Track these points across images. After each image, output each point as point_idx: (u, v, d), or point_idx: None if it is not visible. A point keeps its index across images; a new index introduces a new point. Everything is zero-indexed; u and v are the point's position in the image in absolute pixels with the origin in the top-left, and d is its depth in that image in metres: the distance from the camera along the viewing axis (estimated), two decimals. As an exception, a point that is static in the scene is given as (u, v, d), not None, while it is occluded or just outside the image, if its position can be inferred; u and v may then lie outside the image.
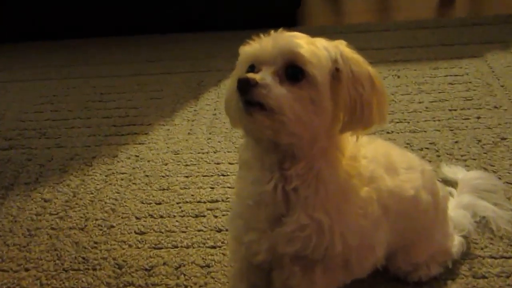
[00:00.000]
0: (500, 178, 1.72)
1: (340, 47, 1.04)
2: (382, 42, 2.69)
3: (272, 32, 1.05)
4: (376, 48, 2.62)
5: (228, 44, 2.71)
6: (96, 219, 1.70)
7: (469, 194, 1.61)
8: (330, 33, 2.65)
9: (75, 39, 2.98)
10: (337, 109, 1.02)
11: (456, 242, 1.47)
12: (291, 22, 2.90)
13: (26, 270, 1.54)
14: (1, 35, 3.03)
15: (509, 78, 2.27)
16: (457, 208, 1.56)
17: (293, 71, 0.98)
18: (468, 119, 2.04)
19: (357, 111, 1.03)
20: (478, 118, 2.04)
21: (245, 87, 0.95)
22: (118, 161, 1.97)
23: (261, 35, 1.06)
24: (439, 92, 2.22)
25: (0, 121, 2.28)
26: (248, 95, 0.95)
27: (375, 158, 1.18)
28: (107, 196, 1.79)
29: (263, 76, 0.96)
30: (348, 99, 1.01)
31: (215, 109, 2.24)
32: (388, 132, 2.00)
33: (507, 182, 1.72)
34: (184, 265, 1.51)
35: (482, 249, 1.51)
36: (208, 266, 1.51)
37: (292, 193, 1.07)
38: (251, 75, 0.96)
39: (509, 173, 1.76)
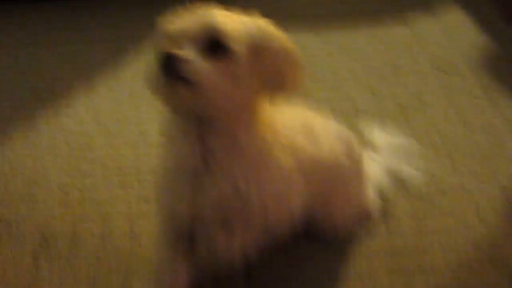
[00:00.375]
0: (417, 141, 1.87)
1: (260, 23, 1.12)
2: (311, 9, 2.73)
3: (190, 6, 1.12)
4: (307, 15, 2.67)
5: (156, 10, 2.74)
6: (19, 192, 1.76)
7: (388, 156, 1.75)
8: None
9: None
10: (257, 82, 1.11)
11: (374, 202, 1.61)
12: None
13: None
14: None
15: (432, 43, 2.42)
16: (377, 169, 1.70)
17: (216, 47, 1.05)
18: (390, 83, 2.19)
19: (276, 83, 1.13)
20: (400, 83, 2.18)
21: (168, 62, 1.02)
22: (40, 133, 1.99)
23: (180, 11, 1.12)
24: (364, 59, 2.33)
25: None
26: (172, 71, 1.02)
27: (296, 128, 1.29)
28: (29, 168, 1.84)
29: (187, 52, 1.03)
30: (267, 73, 1.11)
31: (135, 78, 2.28)
32: (319, 97, 2.10)
33: (424, 145, 1.88)
34: (111, 234, 1.61)
35: (398, 207, 1.67)
36: (135, 234, 1.60)
37: (214, 164, 1.17)
38: (174, 50, 1.03)
39: (426, 136, 1.93)
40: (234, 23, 1.09)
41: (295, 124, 1.30)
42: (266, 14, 2.46)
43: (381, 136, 1.85)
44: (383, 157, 1.77)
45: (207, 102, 1.07)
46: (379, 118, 2.00)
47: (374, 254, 1.55)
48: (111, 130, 2.01)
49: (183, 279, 1.38)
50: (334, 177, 1.43)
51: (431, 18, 2.62)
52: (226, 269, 1.35)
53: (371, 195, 1.63)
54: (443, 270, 1.51)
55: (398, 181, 1.73)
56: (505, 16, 2.57)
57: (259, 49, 1.10)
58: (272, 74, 1.13)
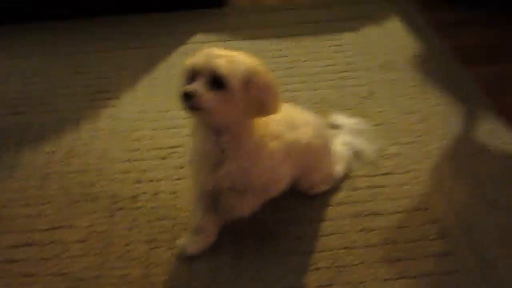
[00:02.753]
0: (370, 122, 1.98)
1: (249, 62, 1.26)
2: (285, 20, 2.81)
3: (204, 49, 1.27)
4: (282, 25, 2.75)
5: (169, 23, 2.80)
6: (91, 164, 1.87)
7: (349, 134, 1.86)
8: (249, 12, 2.87)
9: (44, 22, 2.88)
10: (247, 105, 1.26)
11: (339, 168, 1.73)
12: (219, 3, 2.96)
13: (46, 203, 1.73)
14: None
15: (377, 46, 2.50)
16: (340, 145, 1.81)
17: (217, 81, 1.22)
18: (349, 79, 2.27)
19: (260, 107, 1.29)
20: (356, 78, 2.28)
21: (186, 97, 1.21)
22: (99, 120, 2.10)
23: (198, 51, 1.27)
24: (328, 59, 2.42)
25: (2, 92, 2.33)
26: (189, 103, 1.22)
27: (281, 120, 1.43)
28: (96, 147, 1.95)
29: (197, 87, 1.21)
30: (254, 99, 1.26)
31: (166, 77, 2.35)
32: (293, 91, 2.20)
33: (375, 125, 1.98)
34: (158, 193, 1.74)
35: (356, 171, 1.78)
36: (175, 192, 1.74)
37: (227, 153, 1.34)
38: (188, 88, 1.21)
39: (376, 118, 2.02)
40: (231, 64, 1.23)
41: (279, 117, 1.39)
42: (249, 26, 2.61)
43: (342, 119, 1.93)
44: (344, 134, 1.87)
45: (214, 120, 1.27)
46: (340, 106, 2.10)
47: (339, 204, 1.67)
48: (151, 117, 2.10)
49: (212, 224, 1.52)
50: (309, 154, 1.54)
51: (376, 26, 2.68)
52: (239, 218, 1.49)
53: (336, 163, 1.73)
54: (386, 214, 1.62)
55: (355, 152, 1.82)
56: (430, 23, 2.65)
57: (247, 83, 1.24)
58: (256, 101, 1.26)
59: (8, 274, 1.52)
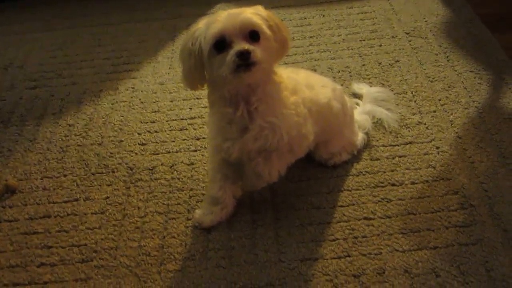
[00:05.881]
0: (392, 91, 1.93)
1: (263, 10, 1.29)
2: None
3: (221, 11, 1.26)
4: None
5: None
6: (109, 136, 1.88)
7: (370, 103, 1.83)
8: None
9: None
10: (278, 46, 1.30)
11: (359, 137, 1.70)
12: None
13: (64, 176, 1.75)
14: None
15: (404, 13, 2.43)
16: (361, 113, 1.78)
17: (254, 34, 1.23)
18: (373, 47, 2.22)
19: (284, 45, 1.33)
20: (380, 46, 2.22)
21: (242, 56, 1.19)
22: (119, 92, 2.11)
23: (210, 15, 1.29)
24: (353, 27, 2.37)
25: (24, 66, 2.36)
26: (246, 60, 1.20)
27: (296, 79, 1.44)
28: (114, 119, 1.96)
29: (246, 45, 1.20)
30: (279, 38, 1.29)
31: None
32: (315, 60, 2.17)
33: (397, 93, 1.93)
34: (175, 164, 1.73)
35: (377, 140, 1.74)
36: (193, 163, 1.74)
37: (254, 111, 1.32)
38: (244, 46, 1.20)
39: (399, 86, 1.97)
40: (256, 16, 1.25)
41: (294, 76, 1.45)
42: None
43: (364, 88, 1.92)
44: (365, 103, 1.84)
45: (262, 71, 1.26)
46: (363, 74, 2.06)
47: (359, 174, 1.63)
48: (169, 89, 2.10)
49: (229, 195, 1.50)
50: (329, 116, 1.52)
51: None
52: (263, 186, 1.45)
53: (357, 131, 1.70)
54: (407, 184, 1.58)
55: (376, 120, 1.80)
56: None
57: (271, 27, 1.27)
58: (280, 40, 1.30)
59: (26, 246, 1.54)
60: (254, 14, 1.25)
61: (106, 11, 2.78)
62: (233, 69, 1.21)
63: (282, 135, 1.35)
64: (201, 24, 1.28)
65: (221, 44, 1.22)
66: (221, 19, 1.23)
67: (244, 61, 1.20)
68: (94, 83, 2.21)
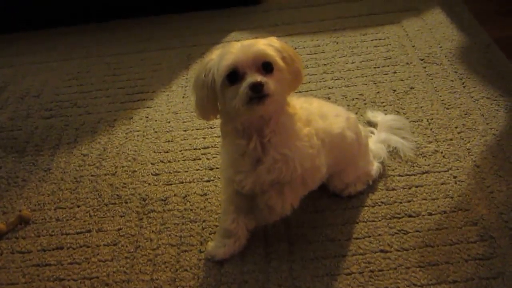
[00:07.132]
0: (407, 118, 1.90)
1: (274, 40, 1.28)
2: (324, 14, 2.76)
3: (234, 42, 1.25)
4: (321, 20, 2.71)
5: (207, 22, 2.83)
6: (123, 166, 1.88)
7: (385, 132, 1.80)
8: (286, 8, 2.84)
9: (87, 24, 2.98)
10: (291, 78, 1.28)
11: (375, 167, 1.67)
12: (255, 1, 2.95)
13: (78, 206, 1.73)
14: (25, 23, 3.00)
15: (419, 39, 2.40)
16: (376, 142, 1.75)
17: (267, 66, 1.22)
18: (387, 74, 2.19)
19: (298, 76, 1.31)
20: (394, 73, 2.19)
21: (255, 88, 1.18)
22: (133, 122, 2.11)
23: (224, 45, 1.28)
24: (367, 54, 2.35)
25: (40, 96, 2.38)
26: (259, 93, 1.18)
27: (309, 109, 1.42)
28: (128, 148, 1.96)
29: (259, 77, 1.19)
30: (292, 70, 1.27)
31: None
32: (329, 88, 2.15)
33: (412, 121, 1.90)
34: (188, 195, 1.71)
35: (393, 170, 1.71)
36: (206, 194, 1.71)
37: (267, 143, 1.30)
38: (257, 78, 1.18)
39: (414, 114, 1.93)
40: (269, 47, 1.24)
41: (308, 106, 1.43)
42: (287, 22, 2.61)
43: (379, 115, 1.89)
44: (380, 131, 1.81)
45: (275, 103, 1.24)
46: (377, 102, 2.03)
47: (375, 205, 1.59)
48: (183, 118, 2.09)
49: (242, 228, 1.47)
50: (343, 146, 1.49)
51: (417, 18, 2.59)
52: (276, 219, 1.43)
53: (372, 161, 1.67)
54: (424, 215, 1.54)
55: (392, 149, 1.76)
56: (473, 14, 2.53)
57: (284, 59, 1.25)
58: (294, 72, 1.29)
59: (38, 278, 1.52)
60: (267, 46, 1.24)
61: (120, 41, 2.80)
62: (246, 101, 1.19)
63: (296, 168, 1.33)
64: (214, 55, 1.27)
65: (234, 75, 1.21)
66: (234, 50, 1.22)
67: (257, 93, 1.18)
68: (108, 112, 2.21)
